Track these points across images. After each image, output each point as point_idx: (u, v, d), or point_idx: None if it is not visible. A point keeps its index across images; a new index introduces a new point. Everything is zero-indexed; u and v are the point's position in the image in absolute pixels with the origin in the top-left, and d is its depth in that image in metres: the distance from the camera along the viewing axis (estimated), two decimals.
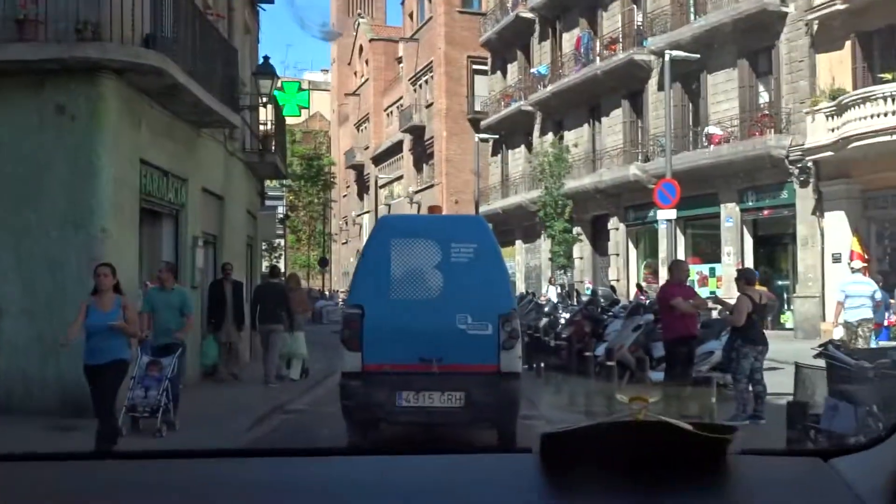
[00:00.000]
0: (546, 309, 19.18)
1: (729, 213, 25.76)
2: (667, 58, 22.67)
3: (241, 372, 15.31)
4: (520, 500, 1.56)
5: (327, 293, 53.75)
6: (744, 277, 10.83)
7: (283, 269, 77.15)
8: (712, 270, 26.92)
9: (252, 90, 17.52)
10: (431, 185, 48.37)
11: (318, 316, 46.82)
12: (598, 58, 30.85)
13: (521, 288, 35.36)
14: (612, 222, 30.72)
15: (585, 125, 32.40)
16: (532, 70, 35.43)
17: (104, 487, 1.67)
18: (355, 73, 65.53)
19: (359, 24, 63.94)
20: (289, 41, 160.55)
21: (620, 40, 29.59)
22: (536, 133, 35.93)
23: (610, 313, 16.25)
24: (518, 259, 38.98)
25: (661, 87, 28.49)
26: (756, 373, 10.12)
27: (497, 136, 37.57)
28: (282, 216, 45.60)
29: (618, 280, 30.47)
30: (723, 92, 25.91)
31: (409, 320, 8.19)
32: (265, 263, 46.81)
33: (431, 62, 48.13)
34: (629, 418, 1.63)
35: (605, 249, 31.87)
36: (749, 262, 25.25)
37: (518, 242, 38.85)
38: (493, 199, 39.27)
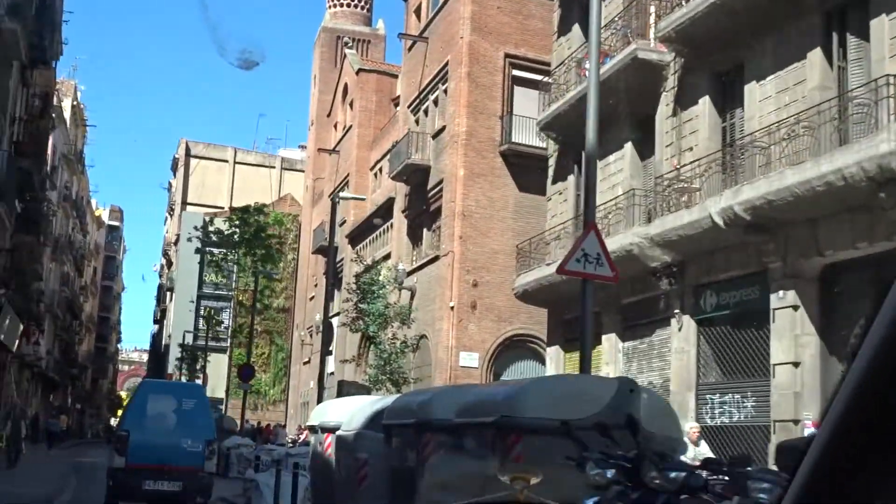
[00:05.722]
0: None
1: None
2: None
3: None
4: None
5: (253, 426, 33.84)
6: None
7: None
8: None
9: None
10: (436, 258, 29.52)
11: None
12: None
13: None
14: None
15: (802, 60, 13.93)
16: None
17: None
18: (335, 126, 47.62)
19: (345, 56, 46.45)
20: (262, 110, 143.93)
21: None
22: (665, 108, 17.53)
23: None
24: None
25: None
26: None
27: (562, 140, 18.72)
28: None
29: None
30: None
31: (155, 440, 14.73)
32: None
33: (447, 64, 30.16)
34: (510, 499, 1.45)
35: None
36: None
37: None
38: (544, 260, 20.15)
